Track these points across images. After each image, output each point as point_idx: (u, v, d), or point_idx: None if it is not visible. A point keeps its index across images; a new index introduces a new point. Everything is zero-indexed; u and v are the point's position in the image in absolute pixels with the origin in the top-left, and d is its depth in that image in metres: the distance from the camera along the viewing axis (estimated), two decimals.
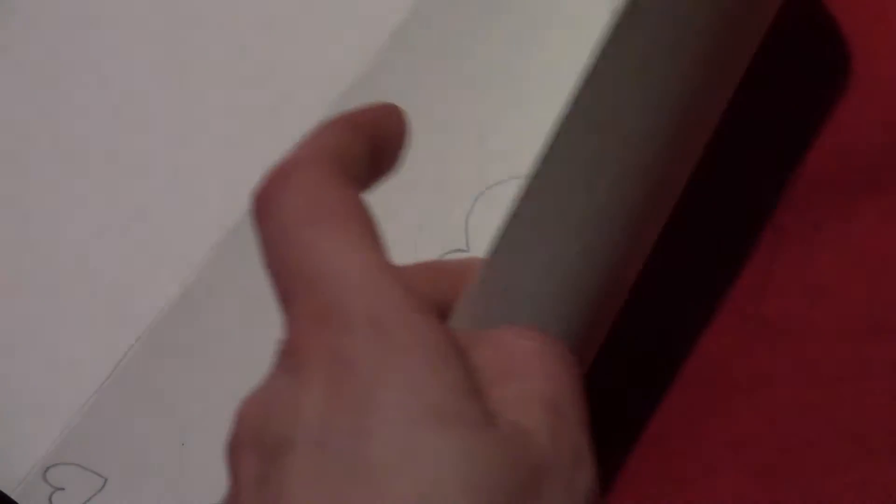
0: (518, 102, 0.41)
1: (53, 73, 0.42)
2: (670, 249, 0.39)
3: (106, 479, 0.39)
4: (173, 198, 0.41)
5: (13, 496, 0.38)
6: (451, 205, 0.41)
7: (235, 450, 0.23)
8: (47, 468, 0.39)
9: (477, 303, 0.28)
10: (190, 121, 0.41)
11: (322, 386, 0.22)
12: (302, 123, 0.38)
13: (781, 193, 0.39)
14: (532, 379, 0.25)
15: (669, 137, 0.33)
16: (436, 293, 0.28)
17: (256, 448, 0.23)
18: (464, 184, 0.41)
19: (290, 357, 0.23)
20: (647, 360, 0.39)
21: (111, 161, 0.41)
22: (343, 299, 0.23)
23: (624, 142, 0.31)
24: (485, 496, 0.21)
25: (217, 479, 0.27)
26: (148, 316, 0.40)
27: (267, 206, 0.25)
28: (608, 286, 0.31)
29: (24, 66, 0.43)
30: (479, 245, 0.39)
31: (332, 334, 0.23)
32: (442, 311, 0.27)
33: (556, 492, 0.23)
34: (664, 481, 0.38)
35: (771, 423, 0.37)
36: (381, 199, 0.27)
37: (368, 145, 0.27)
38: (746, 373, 0.38)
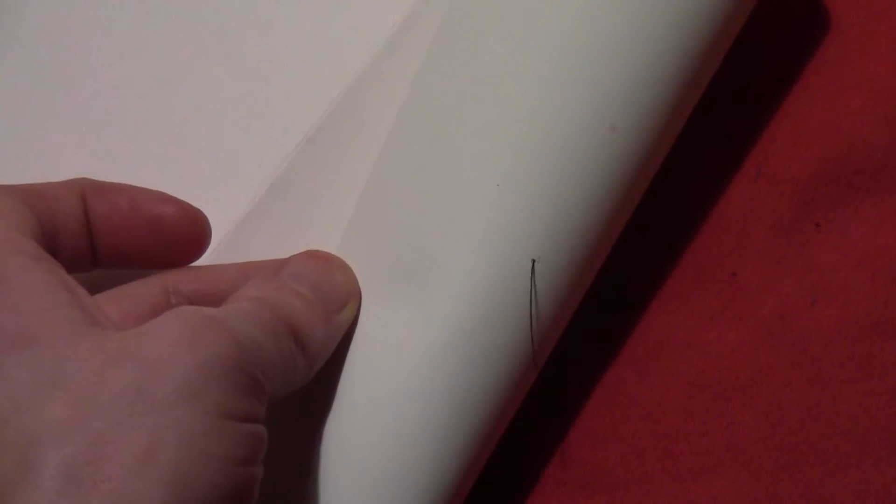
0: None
1: (54, 72, 0.42)
2: (669, 249, 0.39)
3: None
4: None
5: None
6: None
7: None
8: None
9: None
10: (189, 121, 0.41)
11: None
12: (303, 123, 0.38)
13: (781, 193, 0.39)
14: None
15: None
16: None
17: None
18: None
19: None
20: (647, 360, 0.39)
21: (112, 162, 0.41)
22: None
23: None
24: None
25: None
26: None
27: None
28: None
29: (27, 66, 0.43)
30: None
31: None
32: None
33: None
34: (665, 480, 0.38)
35: (771, 423, 0.37)
36: None
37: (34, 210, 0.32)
38: (746, 373, 0.38)
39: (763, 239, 0.38)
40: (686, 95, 0.35)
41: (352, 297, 0.34)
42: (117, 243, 0.33)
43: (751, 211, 0.39)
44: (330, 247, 0.36)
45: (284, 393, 0.31)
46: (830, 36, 0.39)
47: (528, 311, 0.34)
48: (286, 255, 0.35)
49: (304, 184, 0.38)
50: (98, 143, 0.42)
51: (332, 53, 0.41)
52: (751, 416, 0.37)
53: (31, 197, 0.31)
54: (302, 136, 0.38)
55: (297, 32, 0.41)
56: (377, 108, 0.37)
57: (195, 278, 0.34)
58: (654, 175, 0.36)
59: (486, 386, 0.34)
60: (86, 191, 0.33)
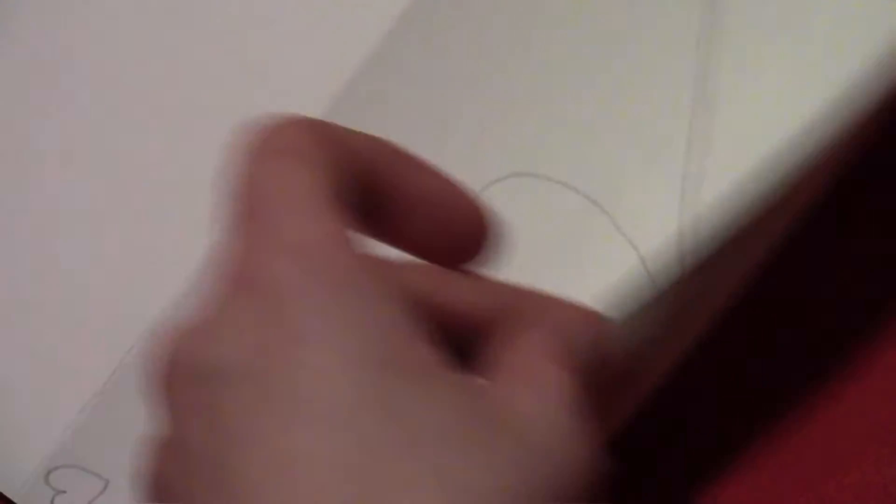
0: (515, 98, 0.41)
1: (49, 74, 0.42)
2: None
3: (108, 482, 0.39)
4: (171, 201, 0.41)
5: (16, 499, 0.38)
6: None
7: (167, 379, 0.22)
8: (49, 471, 0.39)
9: None
10: (186, 122, 0.41)
11: (254, 313, 0.21)
12: None
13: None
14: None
15: None
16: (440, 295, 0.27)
17: (191, 378, 0.22)
18: (463, 180, 0.41)
19: (224, 282, 0.23)
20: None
21: (107, 164, 0.41)
22: (283, 226, 0.22)
23: None
24: (423, 437, 0.20)
25: None
26: (147, 318, 0.40)
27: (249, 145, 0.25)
28: None
29: (22, 68, 0.43)
30: None
31: (265, 261, 0.22)
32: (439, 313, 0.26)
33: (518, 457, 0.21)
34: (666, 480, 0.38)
35: (771, 423, 0.37)
36: None
37: (352, 168, 0.25)
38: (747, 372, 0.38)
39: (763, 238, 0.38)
40: None
41: None
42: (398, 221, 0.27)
43: None
44: None
45: None
46: None
47: None
48: None
49: None
50: (98, 142, 0.42)
51: (332, 53, 0.40)
52: (751, 415, 0.37)
53: (344, 155, 0.25)
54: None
55: (297, 32, 0.41)
56: (377, 109, 0.37)
57: (450, 286, 0.28)
58: None
59: None
60: (391, 157, 0.26)
